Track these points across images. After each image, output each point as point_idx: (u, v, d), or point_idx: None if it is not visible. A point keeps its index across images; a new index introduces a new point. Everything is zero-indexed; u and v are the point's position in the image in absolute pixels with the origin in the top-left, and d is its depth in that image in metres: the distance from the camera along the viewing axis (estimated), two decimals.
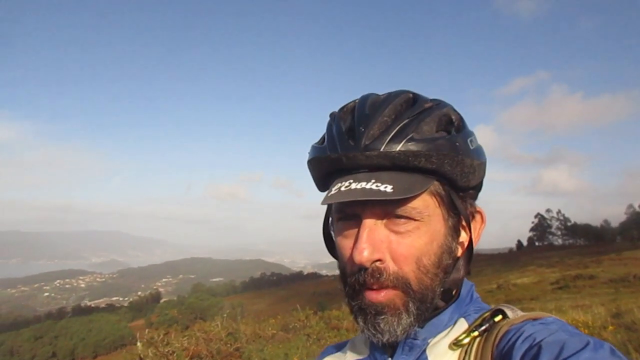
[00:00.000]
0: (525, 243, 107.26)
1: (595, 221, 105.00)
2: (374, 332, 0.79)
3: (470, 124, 0.85)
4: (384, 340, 0.79)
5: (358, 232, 0.78)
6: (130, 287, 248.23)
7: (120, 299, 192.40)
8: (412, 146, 0.76)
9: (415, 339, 0.83)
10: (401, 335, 0.78)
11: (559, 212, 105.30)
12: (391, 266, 0.77)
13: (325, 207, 0.91)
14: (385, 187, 0.74)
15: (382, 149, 0.76)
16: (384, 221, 0.79)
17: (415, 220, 0.78)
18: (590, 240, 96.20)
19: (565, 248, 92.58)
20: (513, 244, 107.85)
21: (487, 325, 0.79)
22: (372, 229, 0.78)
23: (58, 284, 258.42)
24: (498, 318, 0.80)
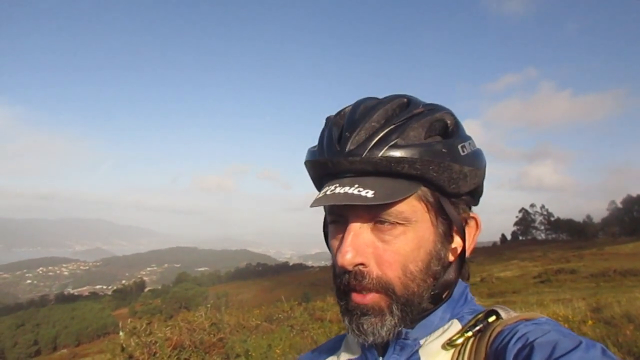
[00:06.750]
0: (509, 237, 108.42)
1: (578, 217, 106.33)
2: (358, 332, 0.79)
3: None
4: (369, 341, 0.79)
5: (343, 235, 0.79)
6: (115, 276, 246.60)
7: (104, 287, 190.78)
8: (395, 152, 0.76)
9: (406, 339, 0.82)
10: (386, 337, 0.78)
11: (542, 207, 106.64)
12: (374, 270, 0.78)
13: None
14: (367, 192, 0.75)
15: (364, 155, 0.76)
16: (370, 225, 0.79)
17: (401, 225, 0.78)
18: (573, 235, 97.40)
19: (548, 242, 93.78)
20: (497, 238, 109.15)
21: (480, 325, 0.79)
22: (357, 232, 0.78)
23: (41, 272, 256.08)
24: (492, 319, 0.79)
